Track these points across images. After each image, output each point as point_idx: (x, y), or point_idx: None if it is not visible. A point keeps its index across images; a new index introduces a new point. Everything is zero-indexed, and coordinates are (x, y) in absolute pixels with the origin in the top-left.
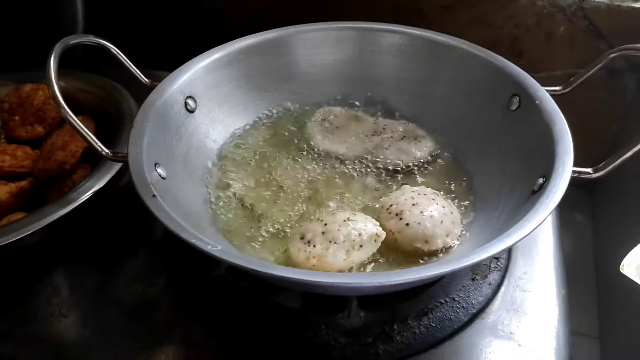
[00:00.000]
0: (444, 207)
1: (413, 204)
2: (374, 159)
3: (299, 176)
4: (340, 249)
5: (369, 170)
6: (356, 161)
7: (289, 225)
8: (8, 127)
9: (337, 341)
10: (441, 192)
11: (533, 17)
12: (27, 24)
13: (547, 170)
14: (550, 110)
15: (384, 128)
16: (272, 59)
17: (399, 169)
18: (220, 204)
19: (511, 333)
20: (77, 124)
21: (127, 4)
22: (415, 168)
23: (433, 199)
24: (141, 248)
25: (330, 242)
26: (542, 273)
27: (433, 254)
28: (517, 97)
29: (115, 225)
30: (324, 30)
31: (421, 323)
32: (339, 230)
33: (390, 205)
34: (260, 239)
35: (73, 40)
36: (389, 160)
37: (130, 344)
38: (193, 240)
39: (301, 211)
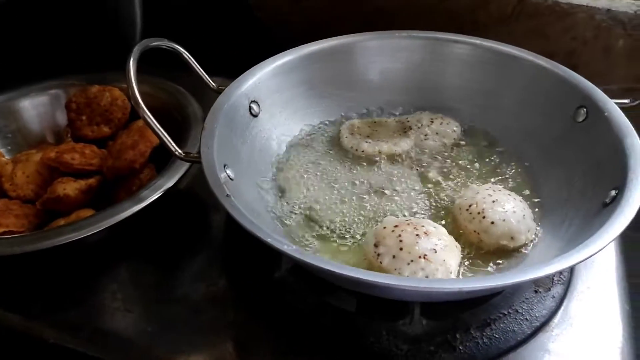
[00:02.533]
0: (520, 201)
1: (493, 201)
2: (421, 151)
3: (357, 180)
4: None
5: (422, 164)
6: (405, 157)
7: (351, 228)
8: (75, 126)
9: (398, 348)
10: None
11: (591, 31)
12: (88, 28)
13: (618, 182)
14: (620, 123)
15: (408, 120)
16: (333, 67)
17: (446, 153)
18: (282, 205)
19: (576, 348)
20: (154, 124)
21: (182, 13)
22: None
23: (509, 195)
24: (201, 249)
25: (395, 270)
26: (605, 287)
27: (514, 253)
28: (584, 109)
29: (175, 226)
30: (385, 38)
31: (484, 334)
32: (408, 265)
33: (470, 206)
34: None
35: (151, 42)
36: (433, 149)
37: (194, 338)
38: (269, 240)
39: (362, 214)
